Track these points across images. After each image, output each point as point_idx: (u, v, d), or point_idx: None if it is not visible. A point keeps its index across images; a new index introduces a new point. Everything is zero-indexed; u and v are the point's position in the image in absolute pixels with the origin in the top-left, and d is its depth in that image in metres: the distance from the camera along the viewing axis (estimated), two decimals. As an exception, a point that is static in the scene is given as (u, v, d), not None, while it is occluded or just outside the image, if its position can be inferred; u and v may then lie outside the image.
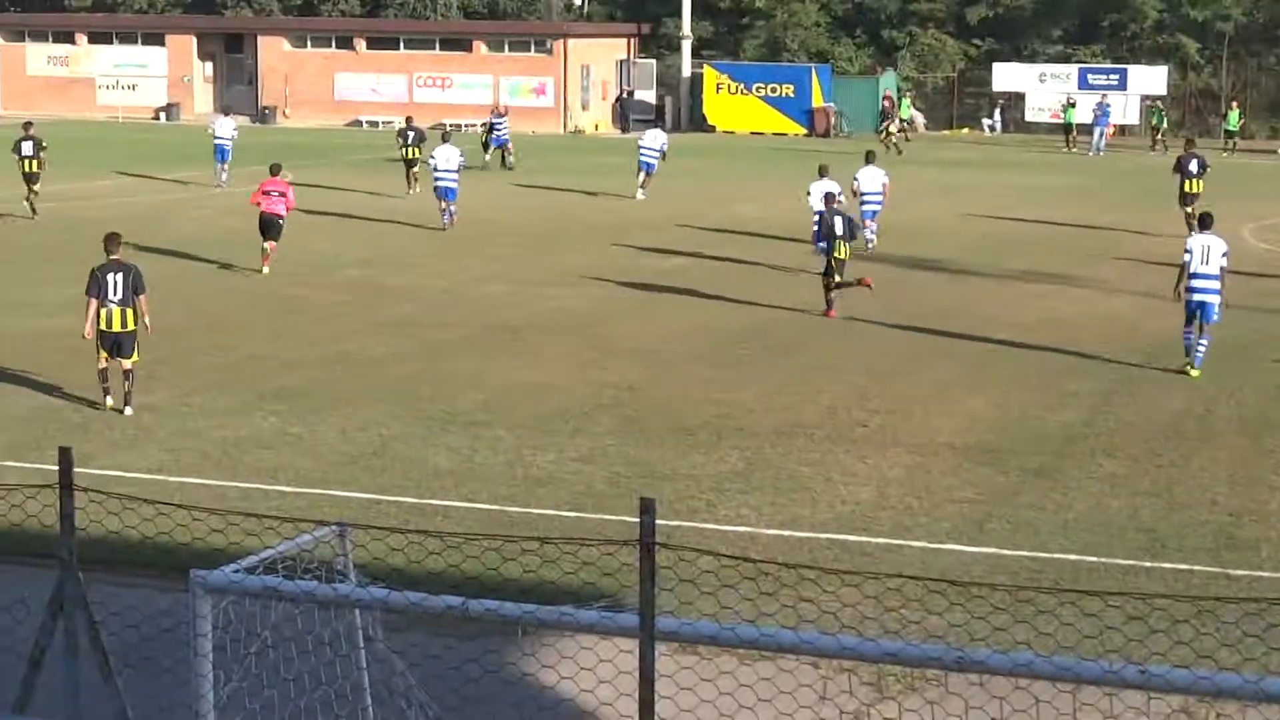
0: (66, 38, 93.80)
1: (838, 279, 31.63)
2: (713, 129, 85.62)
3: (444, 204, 44.68)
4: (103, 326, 23.40)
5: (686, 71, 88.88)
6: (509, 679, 12.89)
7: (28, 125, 47.73)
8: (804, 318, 30.98)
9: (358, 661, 11.44)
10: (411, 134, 53.55)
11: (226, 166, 54.84)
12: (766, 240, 42.00)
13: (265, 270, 36.19)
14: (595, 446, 21.47)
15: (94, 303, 23.37)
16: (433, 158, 45.20)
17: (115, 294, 23.45)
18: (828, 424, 22.84)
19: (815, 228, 34.46)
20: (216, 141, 55.49)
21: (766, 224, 45.24)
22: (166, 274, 35.25)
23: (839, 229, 31.63)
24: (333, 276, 35.41)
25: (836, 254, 31.54)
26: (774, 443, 21.73)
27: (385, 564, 13.05)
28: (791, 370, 26.42)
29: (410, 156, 53.04)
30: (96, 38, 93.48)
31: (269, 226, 36.57)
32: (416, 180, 52.40)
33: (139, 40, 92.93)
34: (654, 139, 53.23)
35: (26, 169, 45.33)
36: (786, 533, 17.96)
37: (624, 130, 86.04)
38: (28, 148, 45.46)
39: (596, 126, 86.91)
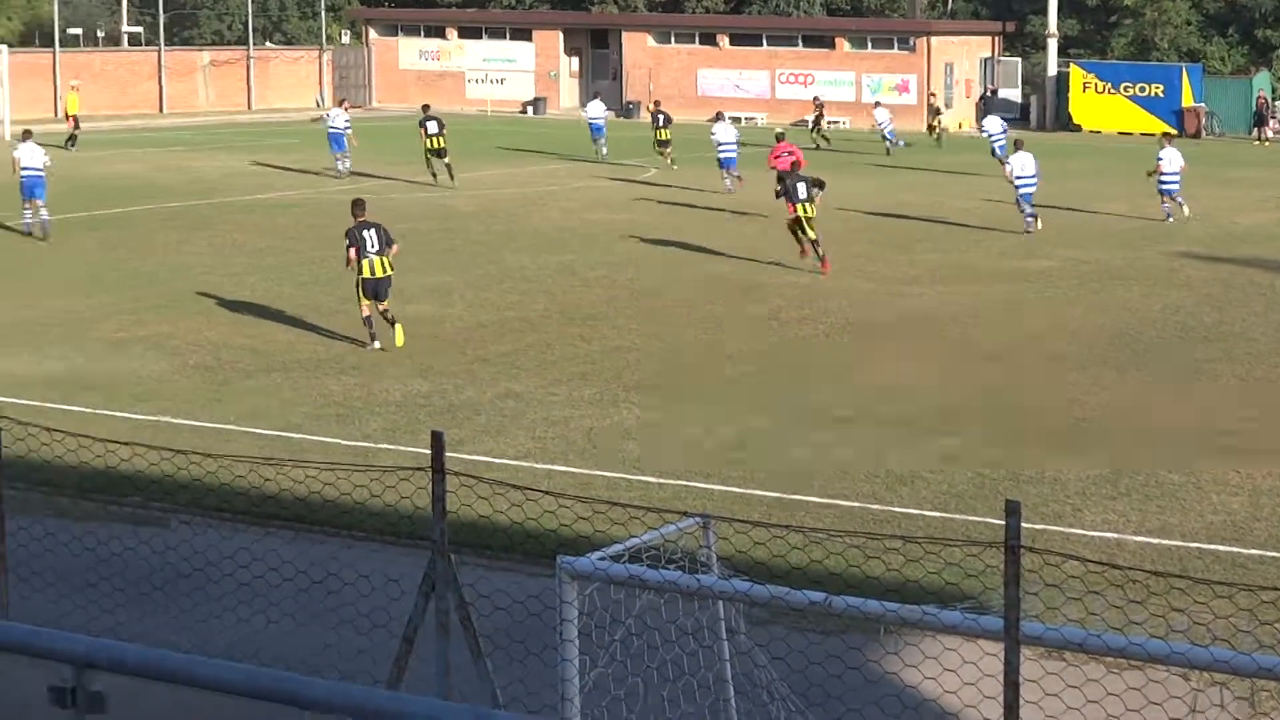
0: (438, 33, 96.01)
1: (811, 235, 35.75)
2: (1078, 128, 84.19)
3: (725, 172, 50.45)
4: (365, 275, 27.07)
5: (1052, 70, 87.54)
6: (870, 676, 12.81)
7: (426, 107, 54.57)
8: (1174, 322, 30.27)
9: (720, 653, 11.49)
10: (661, 116, 59.07)
11: (603, 141, 62.56)
12: (1133, 242, 41.18)
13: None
14: (959, 446, 21.27)
15: (354, 250, 26.99)
16: (714, 133, 51.06)
17: (373, 246, 27.14)
18: (1199, 430, 22.30)
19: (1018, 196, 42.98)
20: (591, 121, 63.37)
21: (1131, 225, 44.38)
22: (532, 265, 35.90)
23: (800, 192, 35.80)
24: (692, 271, 35.63)
25: (803, 213, 35.64)
26: (1142, 448, 21.28)
27: (748, 557, 13.09)
28: (1162, 374, 25.86)
29: (662, 138, 58.39)
30: (466, 33, 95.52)
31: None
32: (672, 160, 58.15)
33: (507, 35, 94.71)
34: (993, 124, 60.44)
35: (434, 145, 51.61)
36: (1155, 540, 17.57)
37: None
38: (433, 126, 51.61)
39: (959, 125, 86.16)
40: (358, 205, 28.02)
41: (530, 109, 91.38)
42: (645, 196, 50.32)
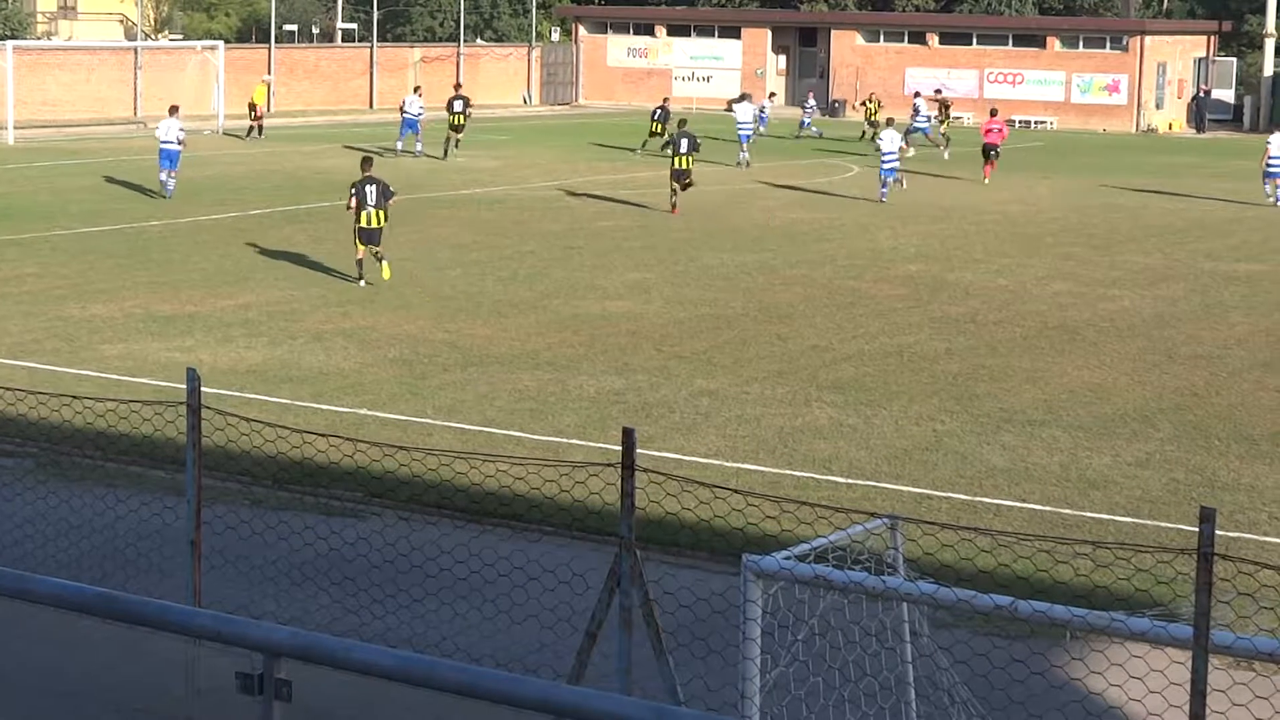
0: (647, 30, 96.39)
1: (677, 186, 43.88)
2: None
3: (741, 146, 57.69)
4: (362, 224, 31.82)
5: (1268, 70, 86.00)
6: (1055, 682, 12.71)
7: (458, 86, 64.95)
8: (1383, 328, 29.63)
9: (903, 655, 11.45)
10: (659, 112, 63.22)
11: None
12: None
13: (987, 181, 53.26)
14: (1153, 451, 21.00)
15: (355, 201, 31.67)
16: (734, 111, 58.54)
17: (371, 200, 31.79)
18: (1404, 440, 21.80)
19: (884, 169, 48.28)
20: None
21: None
22: (730, 263, 35.94)
23: (683, 146, 43.78)
24: (892, 270, 35.47)
25: (677, 164, 43.73)
26: (1345, 457, 20.86)
27: (935, 559, 13.03)
28: (1367, 382, 25.33)
29: (658, 130, 61.14)
30: (675, 30, 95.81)
31: (988, 151, 54.08)
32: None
33: (715, 33, 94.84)
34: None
35: (454, 122, 59.24)
36: (1354, 551, 17.21)
37: (1199, 130, 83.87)
38: (458, 105, 59.36)
39: (1170, 126, 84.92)
40: (366, 162, 32.95)
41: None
42: (845, 195, 50.15)
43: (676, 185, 43.80)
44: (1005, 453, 20.84)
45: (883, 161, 48.61)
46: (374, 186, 31.89)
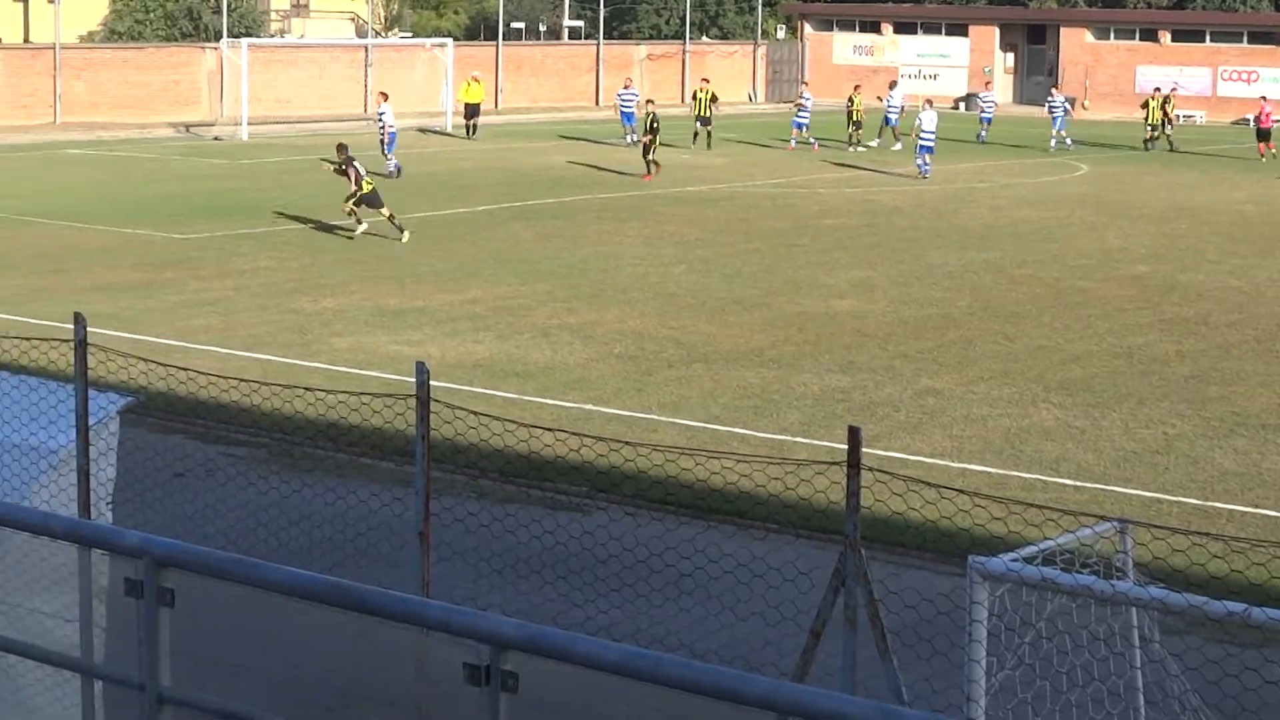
0: (872, 27, 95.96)
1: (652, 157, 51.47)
2: None
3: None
4: (364, 191, 37.31)
5: None
6: (1290, 692, 12.42)
7: (705, 81, 66.18)
8: None
9: (1131, 661, 11.28)
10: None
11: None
12: None
13: (1263, 159, 60.01)
14: (1394, 459, 20.50)
15: (355, 175, 37.75)
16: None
17: (364, 172, 37.66)
18: None
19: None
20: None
21: None
22: (956, 262, 35.65)
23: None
24: (1121, 271, 34.95)
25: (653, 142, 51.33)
26: None
27: (1165, 564, 12.83)
28: None
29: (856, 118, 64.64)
30: (901, 28, 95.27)
31: (1263, 135, 61.95)
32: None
33: (942, 31, 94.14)
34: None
35: (701, 113, 62.47)
36: None
37: None
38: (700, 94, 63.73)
39: None
40: (341, 148, 39.04)
41: (963, 105, 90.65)
42: (1072, 195, 49.56)
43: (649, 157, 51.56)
44: (1238, 457, 20.46)
45: (921, 137, 52.85)
46: (359, 164, 38.39)
